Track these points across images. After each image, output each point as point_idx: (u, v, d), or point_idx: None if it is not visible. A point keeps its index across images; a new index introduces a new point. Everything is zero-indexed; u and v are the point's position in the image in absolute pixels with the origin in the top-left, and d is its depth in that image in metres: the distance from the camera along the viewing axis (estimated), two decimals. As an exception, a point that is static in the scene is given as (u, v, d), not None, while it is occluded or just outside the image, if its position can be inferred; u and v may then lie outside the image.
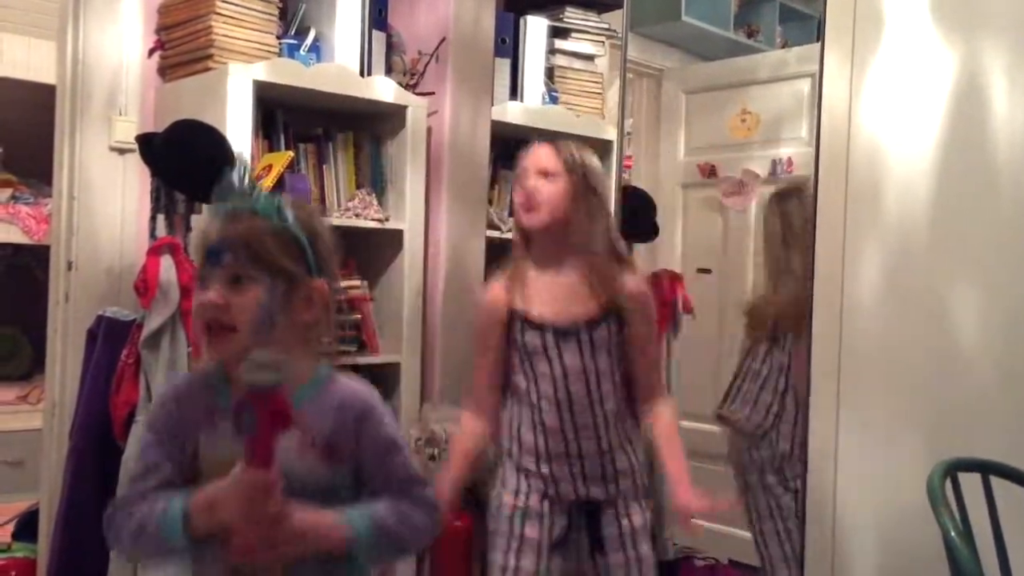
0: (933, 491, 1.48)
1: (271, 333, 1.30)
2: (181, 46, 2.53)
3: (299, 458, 1.30)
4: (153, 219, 2.24)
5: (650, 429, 1.99)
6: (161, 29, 2.59)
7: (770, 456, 2.66)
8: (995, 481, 1.65)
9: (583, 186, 1.96)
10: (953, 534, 1.40)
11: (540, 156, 1.99)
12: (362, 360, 2.68)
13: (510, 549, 1.93)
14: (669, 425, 1.99)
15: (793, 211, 2.73)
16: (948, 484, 1.55)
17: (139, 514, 1.29)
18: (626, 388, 1.98)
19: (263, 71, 2.42)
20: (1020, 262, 1.86)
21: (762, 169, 3.23)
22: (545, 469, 1.93)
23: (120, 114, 2.51)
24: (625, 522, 1.97)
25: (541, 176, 1.95)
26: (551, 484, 1.94)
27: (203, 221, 1.39)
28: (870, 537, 2.04)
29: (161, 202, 2.22)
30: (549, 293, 1.93)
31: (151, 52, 2.59)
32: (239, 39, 2.47)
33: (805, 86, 3.18)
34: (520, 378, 1.95)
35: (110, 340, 2.18)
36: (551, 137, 2.04)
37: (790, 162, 3.09)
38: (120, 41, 2.52)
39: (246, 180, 1.35)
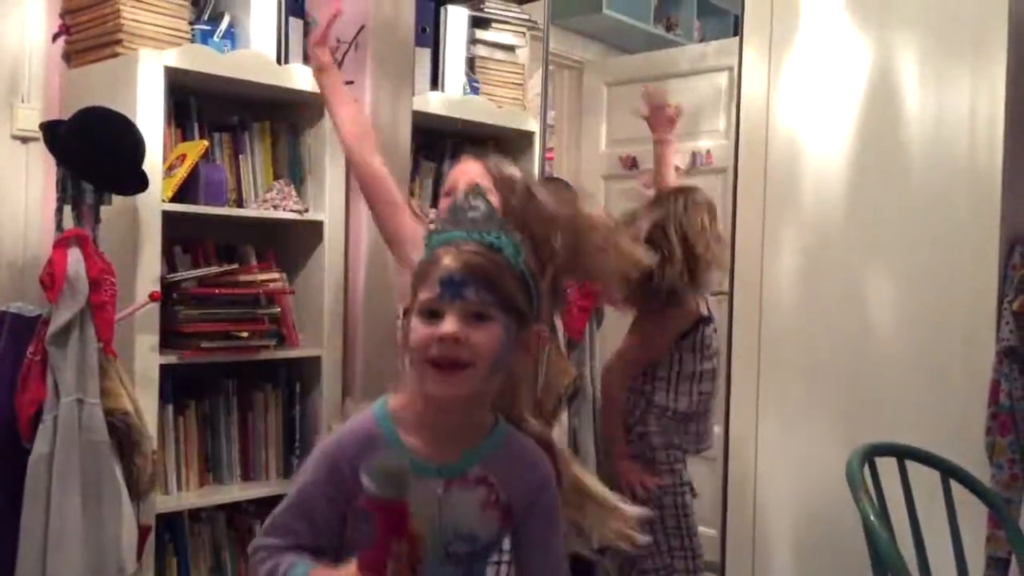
0: (852, 475, 1.51)
1: (498, 376, 1.25)
2: (88, 30, 2.43)
3: (481, 516, 1.25)
4: (59, 210, 2.14)
5: None
6: (66, 13, 2.48)
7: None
8: (909, 464, 1.69)
9: (511, 205, 1.98)
10: (872, 517, 1.43)
11: (471, 171, 2.00)
12: (281, 354, 2.63)
13: None
14: None
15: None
16: (866, 468, 1.59)
17: (264, 570, 1.23)
18: None
19: (175, 57, 2.34)
20: (933, 249, 1.92)
21: (682, 161, 3.26)
22: None
23: (23, 101, 2.41)
24: None
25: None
26: None
27: (435, 244, 1.26)
28: (789, 519, 2.09)
29: (68, 193, 2.12)
30: None
31: (55, 37, 2.48)
32: (149, 24, 2.38)
33: (723, 79, 3.23)
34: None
35: (14, 336, 2.09)
36: (475, 150, 2.08)
37: (709, 154, 3.13)
38: (23, 25, 2.41)
39: (485, 208, 1.27)
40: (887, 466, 1.67)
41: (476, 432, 1.28)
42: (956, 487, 1.70)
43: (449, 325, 1.20)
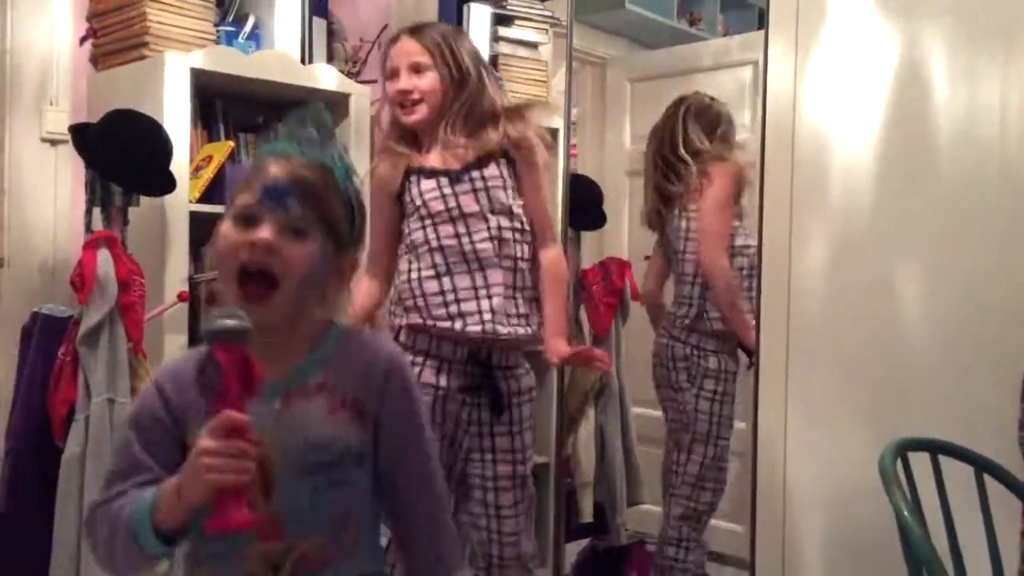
0: (885, 471, 1.49)
1: (309, 296, 1.20)
2: (114, 34, 2.45)
3: (330, 421, 1.20)
4: (88, 212, 2.16)
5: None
6: (93, 16, 2.50)
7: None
8: (943, 460, 1.67)
9: (456, 69, 2.03)
10: (906, 512, 1.42)
11: (408, 50, 2.04)
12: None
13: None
14: (554, 268, 2.10)
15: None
16: (899, 463, 1.57)
17: (111, 514, 1.15)
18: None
19: (201, 59, 2.36)
20: (961, 242, 1.89)
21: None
22: (454, 308, 1.98)
23: (51, 104, 2.43)
24: (513, 383, 2.07)
25: (412, 72, 2.02)
26: (458, 322, 1.98)
27: (264, 153, 1.24)
28: (819, 514, 2.07)
29: (97, 194, 2.14)
30: (439, 154, 2.04)
31: (83, 40, 2.51)
32: (175, 26, 2.39)
33: (747, 73, 3.21)
34: (418, 233, 2.03)
35: (46, 338, 2.11)
36: (414, 27, 2.13)
37: (734, 149, 3.11)
38: (50, 29, 2.44)
39: (323, 126, 1.24)
40: (920, 461, 1.65)
41: (305, 343, 1.24)
42: (990, 482, 1.68)
43: (264, 231, 1.15)
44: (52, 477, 2.03)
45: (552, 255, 2.11)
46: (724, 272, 2.67)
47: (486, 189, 2.02)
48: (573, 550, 3.11)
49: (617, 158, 3.57)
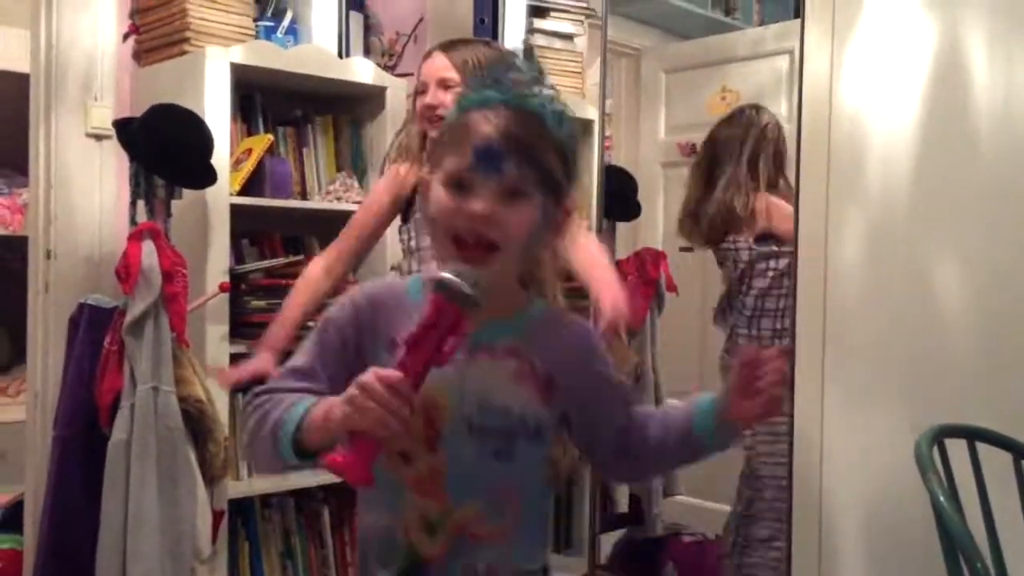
0: (922, 457, 1.49)
1: (531, 259, 1.16)
2: (156, 30, 2.50)
3: (512, 388, 1.15)
4: (133, 205, 2.21)
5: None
6: (135, 13, 2.55)
7: None
8: (980, 447, 1.66)
9: None
10: (942, 499, 1.41)
11: (437, 66, 2.01)
12: (347, 344, 2.67)
13: None
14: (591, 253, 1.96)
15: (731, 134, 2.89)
16: (935, 450, 1.56)
17: (263, 409, 1.10)
18: None
19: (240, 54, 2.40)
20: (1000, 230, 1.88)
21: (742, 146, 3.22)
22: None
23: (96, 100, 2.48)
24: None
25: (441, 87, 1.99)
26: None
27: (469, 104, 1.13)
28: (856, 501, 2.06)
29: (140, 187, 2.19)
30: None
31: (126, 36, 2.56)
32: (215, 22, 2.44)
33: (784, 63, 3.19)
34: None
35: (93, 328, 2.16)
36: (448, 44, 2.08)
37: (771, 139, 3.09)
38: (94, 26, 2.48)
39: (532, 70, 1.16)
40: (957, 448, 1.65)
41: (506, 306, 1.18)
42: (1029, 470, 1.66)
43: (481, 203, 1.07)
44: (99, 463, 2.08)
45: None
46: None
47: None
48: (609, 541, 3.12)
49: (652, 149, 3.56)
